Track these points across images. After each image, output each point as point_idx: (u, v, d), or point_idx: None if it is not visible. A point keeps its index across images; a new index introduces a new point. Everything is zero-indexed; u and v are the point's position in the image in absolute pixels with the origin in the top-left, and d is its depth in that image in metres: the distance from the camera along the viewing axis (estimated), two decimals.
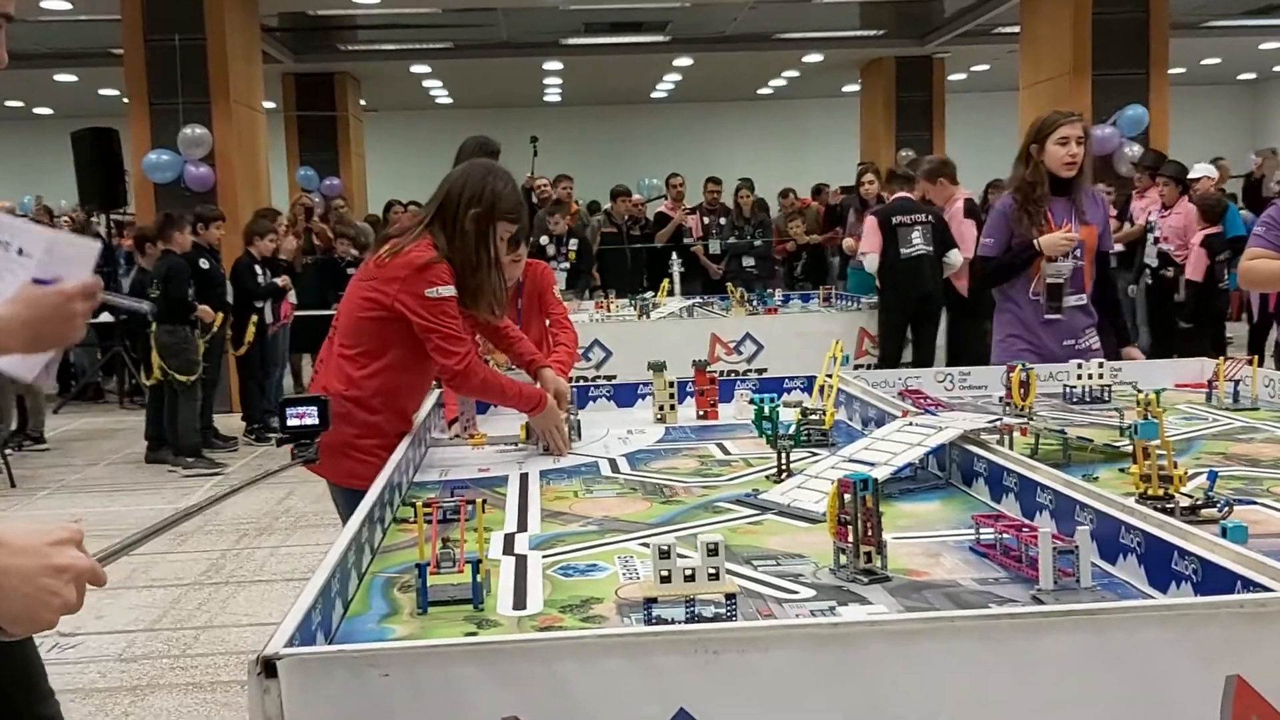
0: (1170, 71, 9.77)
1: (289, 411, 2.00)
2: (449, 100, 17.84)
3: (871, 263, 6.42)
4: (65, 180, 10.70)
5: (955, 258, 6.29)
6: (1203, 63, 16.36)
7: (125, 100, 9.49)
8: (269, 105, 11.64)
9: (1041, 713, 1.17)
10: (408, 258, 2.45)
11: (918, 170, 6.80)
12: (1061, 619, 1.17)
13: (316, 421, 1.96)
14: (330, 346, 2.63)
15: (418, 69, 15.16)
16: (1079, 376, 2.98)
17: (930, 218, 6.37)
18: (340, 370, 2.53)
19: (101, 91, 14.95)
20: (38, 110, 17.42)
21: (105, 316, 9.70)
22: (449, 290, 2.46)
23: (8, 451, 7.01)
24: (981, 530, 1.68)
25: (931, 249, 6.30)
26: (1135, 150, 9.32)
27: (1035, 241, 3.48)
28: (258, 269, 7.70)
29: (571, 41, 13.83)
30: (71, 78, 14.74)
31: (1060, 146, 3.48)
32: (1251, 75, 18.85)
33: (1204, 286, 7.26)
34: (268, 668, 1.11)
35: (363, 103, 15.73)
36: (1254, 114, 19.43)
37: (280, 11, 11.25)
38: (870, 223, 6.54)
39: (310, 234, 10.12)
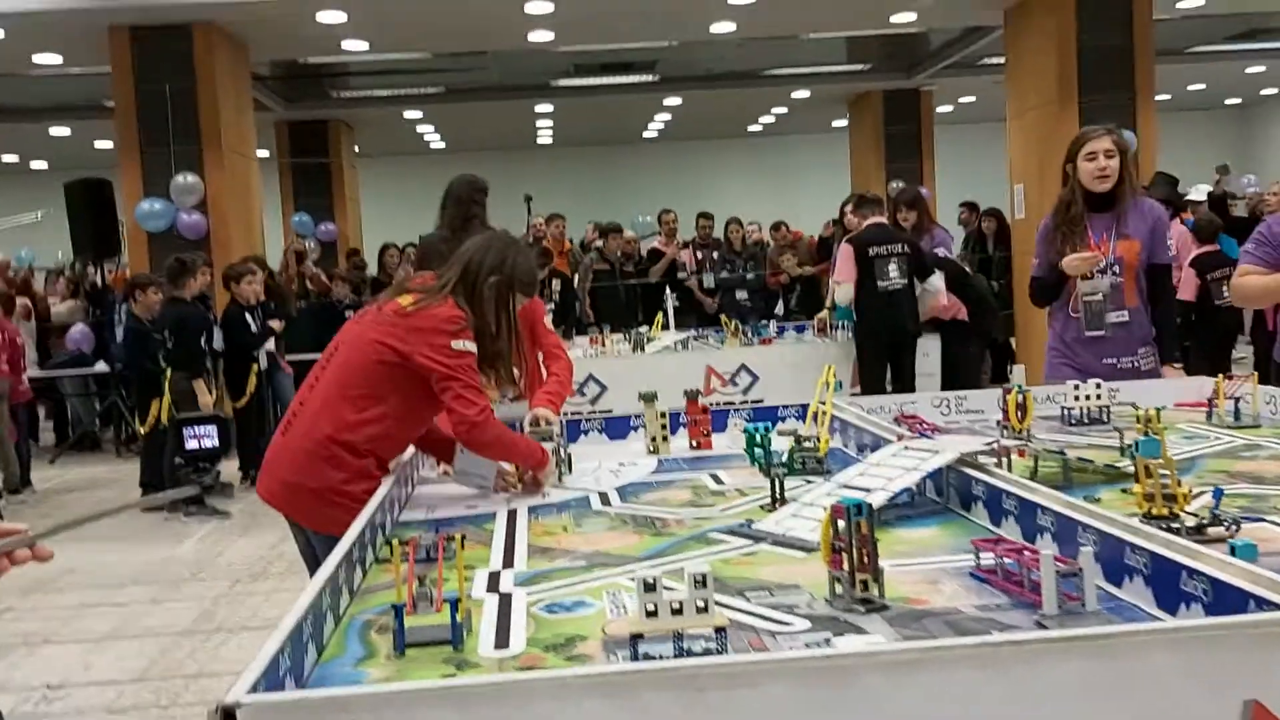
0: (1157, 98, 9.80)
1: (186, 433, 1.86)
2: (442, 145, 17.93)
3: (845, 293, 6.29)
4: (61, 232, 10.71)
5: (935, 283, 6.23)
6: (1189, 88, 16.47)
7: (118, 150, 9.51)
8: (263, 154, 11.68)
9: None
10: (435, 311, 2.49)
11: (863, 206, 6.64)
12: (1065, 645, 1.11)
13: (216, 443, 1.83)
14: (313, 389, 2.56)
15: (410, 114, 15.24)
16: (1076, 398, 2.93)
17: (906, 247, 6.27)
18: (334, 413, 2.47)
19: (96, 144, 15.01)
20: (33, 164, 17.49)
21: (101, 366, 9.68)
22: (473, 346, 2.49)
23: (1, 502, 6.95)
24: (981, 555, 1.62)
25: (907, 281, 6.22)
26: None
27: (1061, 263, 3.49)
28: (248, 317, 7.64)
29: (562, 83, 13.92)
30: (66, 131, 14.80)
31: (1089, 161, 3.53)
32: (1238, 100, 18.97)
33: (1198, 307, 7.24)
34: (227, 717, 1.05)
35: (356, 149, 15.79)
36: (1243, 139, 19.54)
37: (271, 59, 11.32)
38: (845, 251, 6.37)
39: (304, 278, 10.11)
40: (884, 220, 6.47)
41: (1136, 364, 3.51)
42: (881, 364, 6.29)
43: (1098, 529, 1.56)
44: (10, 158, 17.06)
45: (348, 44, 10.23)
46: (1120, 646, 1.10)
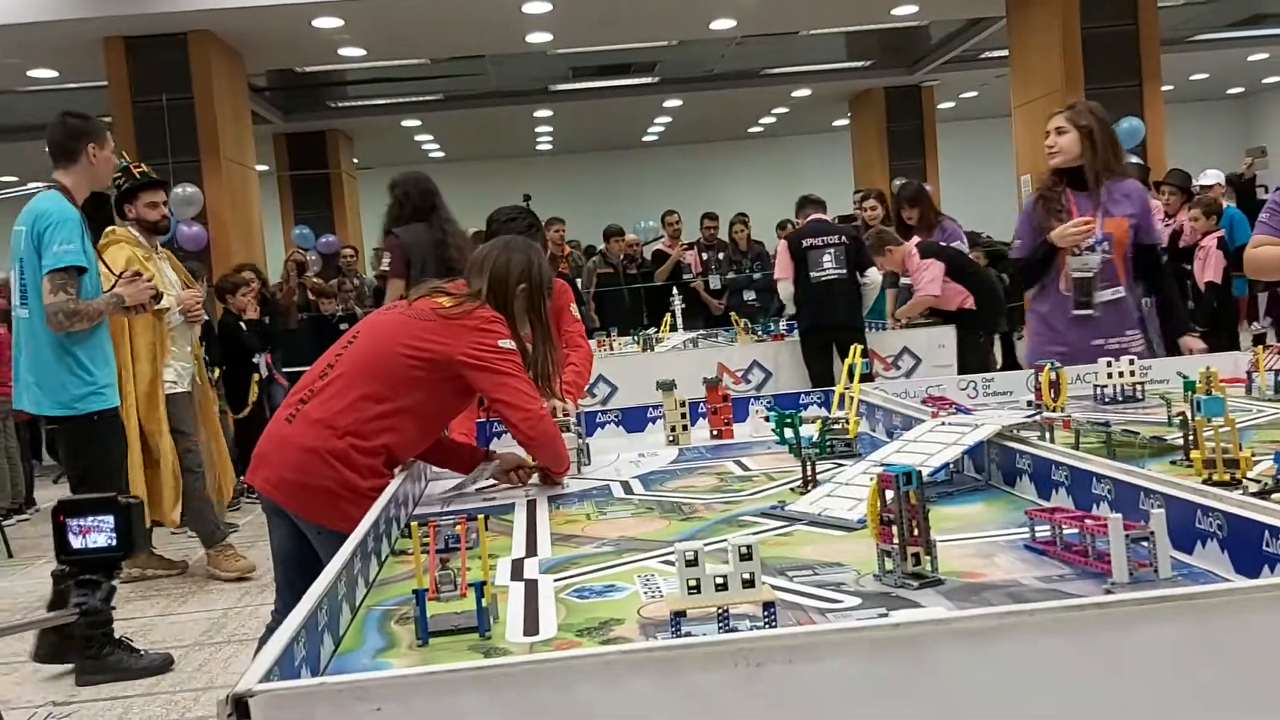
0: (1161, 89, 9.69)
1: (70, 524, 1.36)
2: (441, 154, 17.86)
3: (784, 289, 6.21)
4: None
5: (874, 276, 6.11)
6: (1192, 78, 16.37)
7: None
8: (263, 168, 11.60)
9: (1139, 714, 1.01)
10: (478, 313, 2.41)
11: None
12: (1157, 606, 1.01)
13: (113, 542, 1.39)
14: (325, 378, 2.44)
15: (409, 123, 15.17)
16: (1109, 375, 2.83)
17: (844, 239, 6.15)
18: (348, 407, 2.33)
19: None
20: (32, 185, 17.43)
21: None
22: (515, 347, 2.43)
23: (6, 523, 6.85)
24: (1037, 526, 1.52)
25: (845, 271, 6.03)
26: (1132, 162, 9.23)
27: (1048, 236, 3.40)
28: (243, 325, 7.55)
29: (560, 87, 13.84)
30: None
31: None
32: (1241, 89, 18.86)
33: (1222, 288, 7.14)
34: (239, 707, 0.95)
35: (355, 161, 15.71)
36: (1247, 128, 19.39)
37: (268, 69, 11.25)
38: (780, 247, 6.36)
39: (304, 290, 10.01)
40: (823, 216, 6.45)
41: (1125, 345, 3.41)
42: (825, 358, 6.07)
43: (1163, 494, 1.46)
44: (8, 177, 17.01)
45: (344, 51, 10.16)
46: (1218, 606, 1.01)
